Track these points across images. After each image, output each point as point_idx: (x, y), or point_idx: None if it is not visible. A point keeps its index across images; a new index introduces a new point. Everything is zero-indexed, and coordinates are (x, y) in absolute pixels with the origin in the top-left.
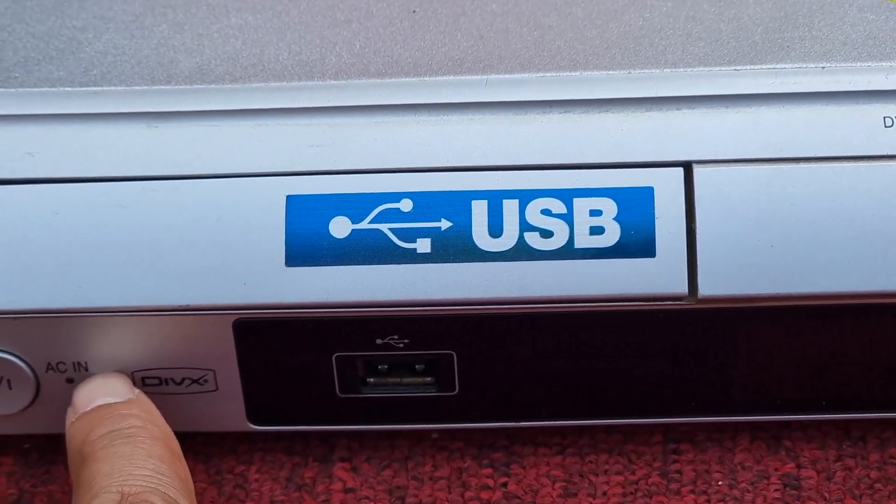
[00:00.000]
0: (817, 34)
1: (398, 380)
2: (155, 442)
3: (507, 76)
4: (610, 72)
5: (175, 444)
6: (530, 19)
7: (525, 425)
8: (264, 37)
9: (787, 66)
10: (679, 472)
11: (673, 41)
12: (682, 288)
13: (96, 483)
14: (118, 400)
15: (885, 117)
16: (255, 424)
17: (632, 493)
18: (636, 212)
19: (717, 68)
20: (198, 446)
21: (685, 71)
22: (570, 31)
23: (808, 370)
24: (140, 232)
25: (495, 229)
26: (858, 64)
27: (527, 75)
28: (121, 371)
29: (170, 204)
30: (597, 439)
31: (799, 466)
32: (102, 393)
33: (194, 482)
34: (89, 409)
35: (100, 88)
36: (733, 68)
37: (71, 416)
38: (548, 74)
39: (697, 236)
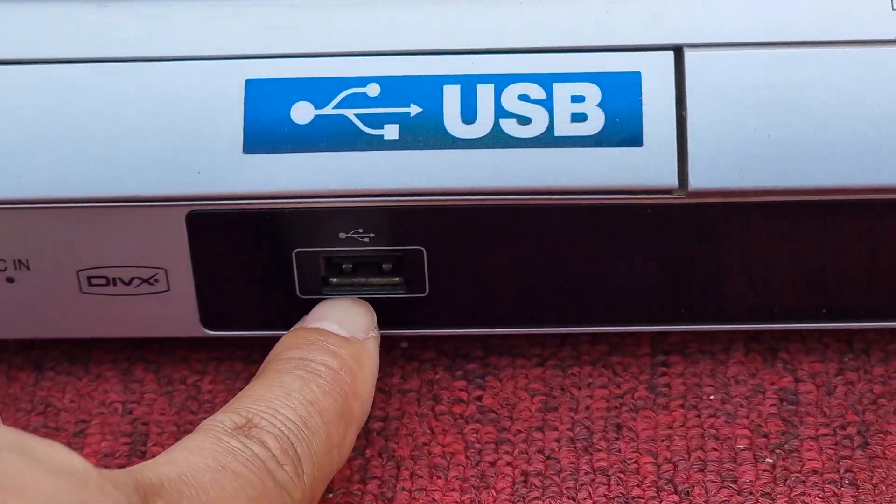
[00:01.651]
0: None
1: (363, 280)
2: (332, 392)
3: None
4: None
5: (357, 410)
6: None
7: (502, 332)
8: None
9: None
10: (668, 385)
11: None
12: (672, 180)
13: (239, 400)
14: (341, 332)
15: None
16: (209, 329)
17: (616, 407)
18: (622, 98)
19: None
20: (150, 355)
21: None
22: None
23: (808, 274)
24: (87, 117)
25: (468, 115)
26: None
27: None
28: (67, 269)
29: (120, 88)
30: (580, 351)
31: (797, 380)
32: (335, 318)
33: (144, 393)
34: (310, 326)
35: None
36: None
37: (295, 326)
38: None
39: (688, 125)
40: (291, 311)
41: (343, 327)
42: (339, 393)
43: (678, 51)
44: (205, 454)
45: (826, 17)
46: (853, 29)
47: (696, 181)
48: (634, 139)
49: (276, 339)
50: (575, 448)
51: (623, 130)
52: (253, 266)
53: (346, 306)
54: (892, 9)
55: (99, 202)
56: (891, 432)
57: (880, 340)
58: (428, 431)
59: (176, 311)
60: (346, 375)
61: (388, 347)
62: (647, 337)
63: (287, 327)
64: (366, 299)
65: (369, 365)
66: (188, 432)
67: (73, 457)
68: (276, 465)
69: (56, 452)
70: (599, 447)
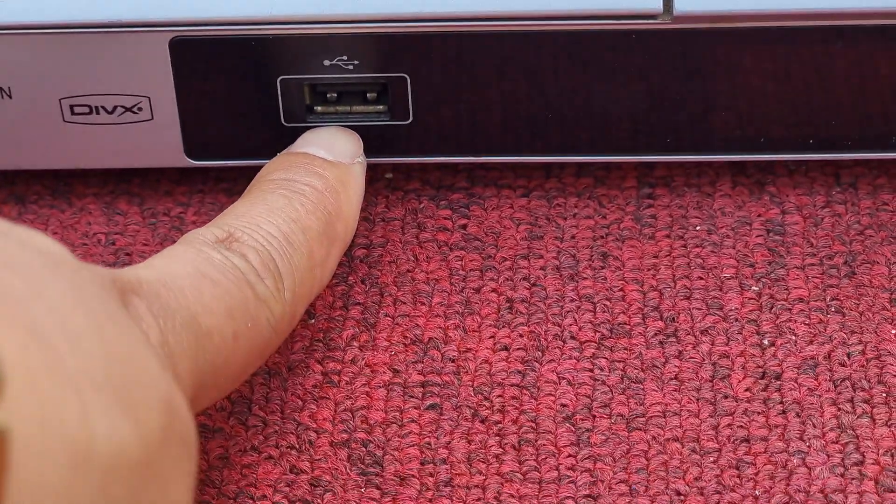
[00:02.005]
0: None
1: (348, 108)
2: (316, 210)
3: None
4: None
5: (341, 230)
6: None
7: (485, 160)
8: None
9: None
10: (654, 216)
11: None
12: (656, 4)
13: (225, 216)
14: (326, 156)
15: None
16: (192, 159)
17: (602, 237)
18: None
19: None
20: (133, 188)
21: None
22: None
23: (795, 103)
24: None
25: None
26: None
27: None
28: (50, 97)
29: None
30: (565, 182)
31: (784, 212)
32: (322, 143)
33: (128, 225)
34: (296, 151)
35: None
36: None
37: (282, 152)
38: None
39: None
40: (276, 140)
41: (329, 152)
42: (323, 212)
43: None
44: (185, 262)
45: None
46: None
47: (682, 5)
48: None
49: (260, 168)
50: (560, 276)
51: None
52: (237, 94)
53: (333, 133)
54: None
55: (81, 28)
56: (878, 262)
57: (868, 175)
58: (412, 258)
59: (159, 141)
60: (330, 196)
61: (372, 178)
62: (633, 170)
63: (271, 156)
64: (350, 127)
65: (354, 187)
66: None
67: (49, 241)
68: (256, 278)
69: (32, 235)
70: (585, 275)
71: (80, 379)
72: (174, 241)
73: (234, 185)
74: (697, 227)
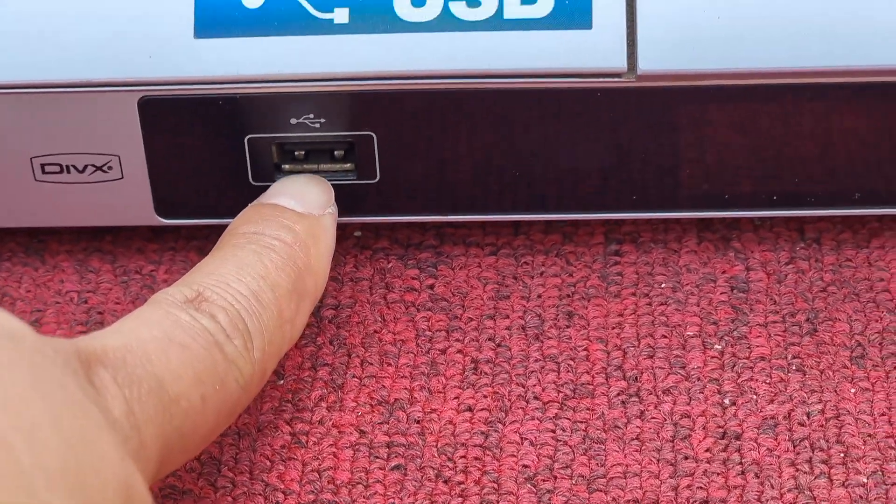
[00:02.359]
0: None
1: (315, 166)
2: (286, 266)
3: None
4: None
5: (311, 285)
6: None
7: (453, 220)
8: None
9: None
10: (620, 274)
11: None
12: (621, 62)
13: (194, 273)
14: (296, 208)
15: None
16: (162, 217)
17: (568, 295)
18: None
19: None
20: (105, 245)
21: None
22: None
23: (760, 160)
24: (38, 2)
25: None
26: None
27: None
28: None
29: None
30: (533, 240)
31: (748, 269)
32: (292, 194)
33: (100, 283)
34: (266, 202)
35: None
36: None
37: (253, 202)
38: None
39: (637, 7)
40: (244, 199)
41: (299, 203)
42: (293, 268)
43: None
44: (152, 325)
45: None
46: None
47: (646, 63)
48: (583, 21)
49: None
50: (525, 335)
51: (572, 13)
52: (206, 153)
53: (303, 182)
54: None
55: (50, 87)
56: (839, 319)
57: (832, 230)
58: (379, 319)
59: (130, 199)
60: (300, 250)
61: (341, 236)
62: (601, 226)
63: None
64: None
65: (325, 240)
66: None
67: (10, 319)
68: (225, 339)
69: None
70: (550, 335)
71: (36, 476)
72: (145, 300)
73: (206, 242)
74: (663, 285)
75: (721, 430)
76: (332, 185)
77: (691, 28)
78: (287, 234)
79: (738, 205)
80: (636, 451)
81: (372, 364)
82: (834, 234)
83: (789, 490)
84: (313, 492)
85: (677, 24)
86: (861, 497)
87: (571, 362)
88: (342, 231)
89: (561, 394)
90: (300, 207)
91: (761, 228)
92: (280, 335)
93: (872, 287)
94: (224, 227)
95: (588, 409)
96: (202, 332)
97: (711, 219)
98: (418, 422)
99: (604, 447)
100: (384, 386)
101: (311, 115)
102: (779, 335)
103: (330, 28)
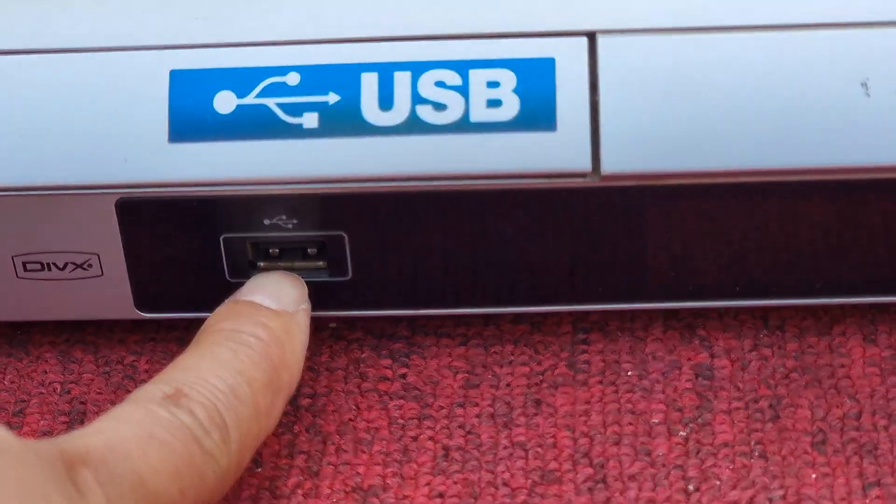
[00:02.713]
0: None
1: (289, 264)
2: (262, 362)
3: None
4: None
5: (286, 379)
6: None
7: (424, 314)
8: None
9: None
10: (587, 362)
11: None
12: (585, 164)
13: (171, 370)
14: (271, 306)
15: None
16: (143, 311)
17: (537, 384)
18: (536, 83)
19: None
20: (88, 336)
21: None
22: None
23: (723, 255)
24: (16, 108)
25: (386, 102)
26: None
27: None
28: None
29: (48, 79)
30: (502, 330)
31: (713, 356)
32: (267, 292)
33: (82, 373)
34: (242, 299)
35: None
36: None
37: (229, 298)
38: None
39: (601, 109)
40: (222, 294)
41: (274, 300)
42: (269, 363)
43: (591, 36)
44: (132, 423)
45: (737, 1)
46: (763, 14)
47: (609, 165)
48: (548, 124)
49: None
50: (495, 423)
51: (537, 115)
52: (182, 251)
53: (277, 279)
54: None
55: (30, 191)
56: (801, 405)
57: (794, 317)
58: (354, 408)
59: (110, 295)
60: (275, 346)
61: (317, 328)
62: (569, 316)
63: None
64: None
65: (299, 336)
66: None
67: None
68: (203, 433)
69: None
70: (519, 422)
71: None
72: (127, 390)
73: (186, 332)
74: (629, 373)
75: None
76: (305, 281)
77: (654, 129)
78: (263, 331)
79: (703, 295)
80: None
81: (347, 451)
82: (797, 321)
83: None
84: None
85: (640, 125)
86: None
87: (539, 449)
88: (317, 323)
89: (529, 480)
90: (275, 305)
91: (726, 316)
92: (256, 427)
93: (834, 373)
94: (203, 320)
95: (556, 495)
96: (181, 427)
97: (678, 309)
98: None
99: None
100: (359, 472)
101: (284, 217)
102: (742, 422)
103: (300, 132)
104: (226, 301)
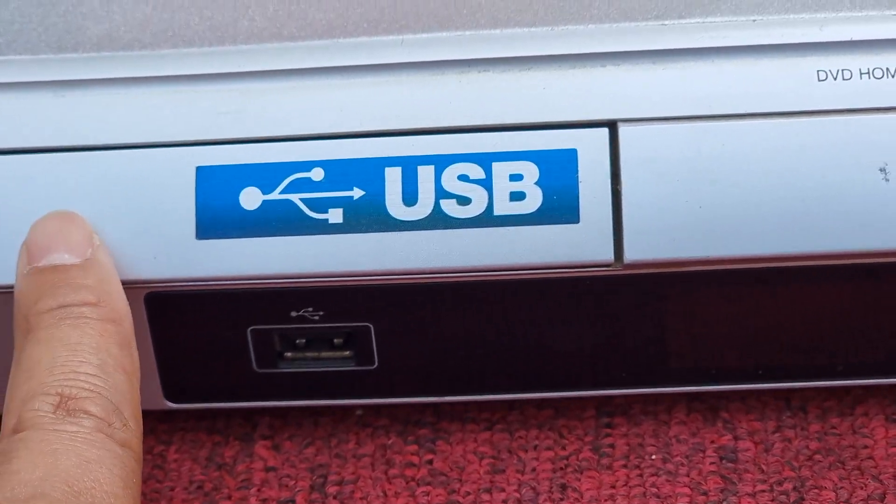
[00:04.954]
0: None
1: (316, 354)
2: (106, 328)
3: (424, 35)
4: (532, 28)
5: (128, 325)
6: None
7: (449, 400)
8: (175, 1)
9: (716, 19)
10: (612, 446)
11: None
12: (608, 254)
13: (36, 375)
14: (74, 261)
15: (818, 70)
16: (172, 402)
17: (562, 468)
18: (559, 175)
19: (644, 23)
20: None
21: (611, 27)
22: None
23: (744, 338)
24: (46, 205)
25: (410, 197)
26: (791, 16)
27: (445, 34)
28: None
29: (77, 176)
30: (527, 415)
31: (736, 438)
32: (59, 245)
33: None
34: (42, 265)
35: (5, 57)
36: (661, 23)
37: (23, 266)
38: (467, 33)
39: (623, 199)
40: (249, 384)
41: (71, 253)
42: (111, 323)
43: (613, 126)
44: (58, 459)
45: (755, 89)
46: (781, 101)
47: (632, 254)
48: (571, 216)
49: (238, 410)
50: None
51: (560, 208)
52: (210, 343)
53: (59, 227)
54: (819, 80)
55: None
56: (825, 487)
57: (817, 398)
58: (381, 494)
59: (140, 386)
60: (104, 303)
61: (344, 415)
62: (593, 400)
63: (246, 399)
64: (319, 372)
65: (112, 275)
66: (154, 501)
67: None
68: (108, 427)
69: None
70: None
71: None
72: (157, 481)
73: (215, 422)
74: (653, 456)
75: None
76: (332, 370)
77: (675, 217)
78: (87, 293)
79: (725, 379)
80: None
81: None
82: (819, 402)
83: None
84: None
85: (661, 214)
86: None
87: None
88: (344, 410)
89: None
90: (76, 257)
91: (749, 398)
92: (133, 388)
93: (857, 454)
94: (237, 412)
95: None
96: (92, 433)
97: (700, 392)
98: None
99: None
100: None
101: (311, 309)
102: None
103: (325, 228)
104: (24, 272)
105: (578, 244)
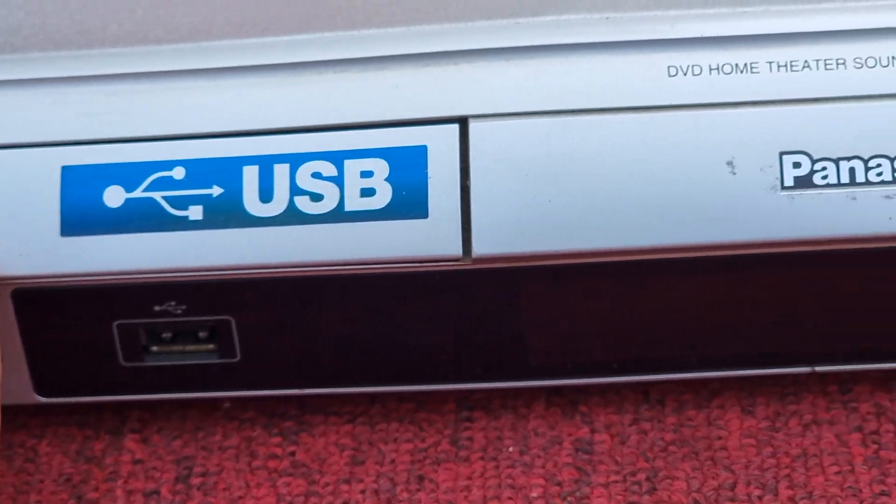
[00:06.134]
0: None
1: (181, 347)
2: None
3: (284, 38)
4: (388, 29)
5: None
6: None
7: (311, 393)
8: (48, 6)
9: (571, 17)
10: (470, 439)
11: None
12: (457, 248)
13: None
14: None
15: (668, 66)
16: (42, 396)
17: (420, 460)
18: (408, 172)
19: (499, 21)
20: None
21: (465, 25)
22: None
23: (600, 332)
24: None
25: (266, 194)
26: (644, 13)
27: (304, 36)
28: None
29: None
30: (388, 408)
31: (593, 431)
32: None
33: None
34: None
35: None
36: (515, 21)
37: None
38: (326, 34)
39: (472, 194)
40: (117, 378)
41: None
42: None
43: (463, 122)
44: None
45: (607, 85)
46: (632, 96)
47: (480, 248)
48: (420, 211)
49: (109, 404)
50: (378, 499)
51: (409, 203)
52: (78, 338)
53: None
54: (669, 76)
55: None
56: (677, 477)
57: (675, 391)
58: (244, 485)
59: (10, 381)
60: None
61: (212, 408)
62: (453, 394)
63: (115, 393)
64: (185, 366)
65: None
66: (25, 493)
67: None
68: None
69: None
70: (401, 498)
71: None
72: (28, 473)
73: (87, 416)
74: (510, 449)
75: None
76: (197, 363)
77: (523, 212)
78: None
79: (583, 372)
80: None
81: None
82: (676, 394)
83: None
84: None
85: (510, 209)
86: None
87: None
88: (212, 402)
89: None
90: None
91: (608, 392)
92: None
93: (711, 445)
94: (108, 406)
95: None
96: None
97: (560, 386)
98: None
99: None
100: None
101: (173, 303)
102: (619, 494)
103: (186, 225)
104: None
105: (427, 239)
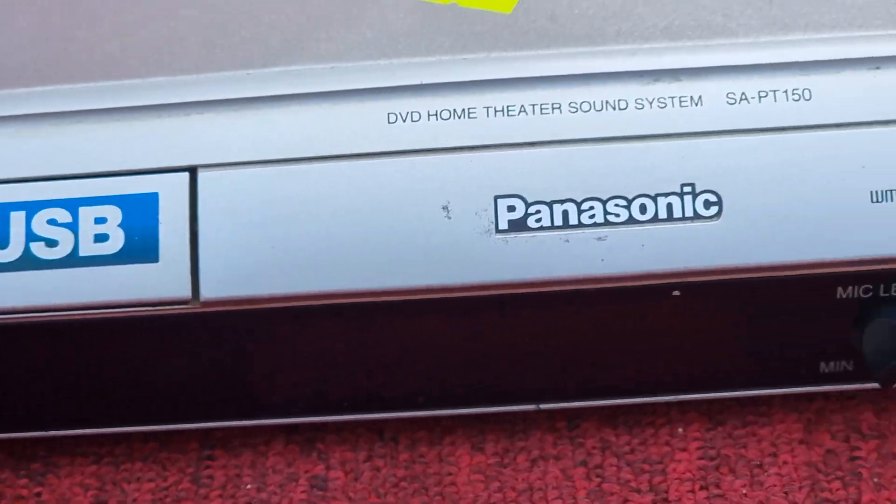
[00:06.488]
0: (334, 35)
1: None
2: None
3: (21, 90)
4: (123, 81)
5: None
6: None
7: (56, 434)
8: None
9: (299, 67)
10: (210, 477)
11: (192, 49)
12: (186, 292)
13: None
14: None
15: (388, 113)
16: None
17: (161, 499)
18: (140, 218)
19: (229, 73)
20: None
21: (198, 77)
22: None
23: (331, 371)
24: None
25: (2, 241)
26: (368, 62)
27: (40, 88)
28: None
29: None
30: (133, 448)
31: (328, 468)
32: None
33: None
34: None
35: None
36: (245, 72)
37: None
38: (62, 86)
39: (199, 240)
40: None
41: None
42: None
43: (193, 171)
44: None
45: (329, 132)
46: (353, 143)
47: (207, 292)
48: (151, 255)
49: None
50: None
51: (141, 248)
52: None
53: None
54: (389, 123)
55: None
56: None
57: (408, 429)
58: None
59: None
60: None
61: None
62: (196, 433)
63: None
64: None
65: None
66: None
67: None
68: None
69: None
70: None
71: None
72: None
73: None
74: (248, 486)
75: None
76: None
77: (250, 256)
78: None
79: (316, 410)
80: None
81: None
82: (410, 433)
83: None
84: None
85: (237, 254)
86: None
87: None
88: None
89: None
90: None
91: (344, 430)
92: None
93: (441, 481)
94: None
95: None
96: None
97: (299, 424)
98: None
99: None
100: None
101: None
102: None
103: None
104: None
105: (157, 283)
